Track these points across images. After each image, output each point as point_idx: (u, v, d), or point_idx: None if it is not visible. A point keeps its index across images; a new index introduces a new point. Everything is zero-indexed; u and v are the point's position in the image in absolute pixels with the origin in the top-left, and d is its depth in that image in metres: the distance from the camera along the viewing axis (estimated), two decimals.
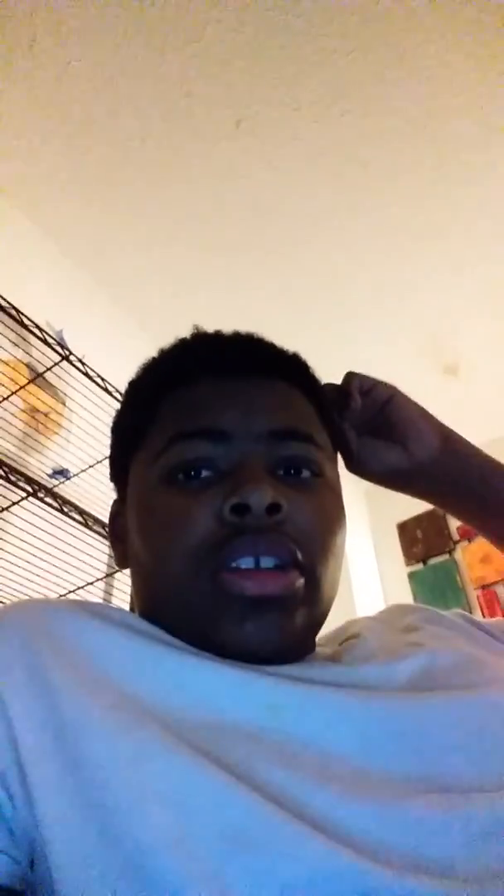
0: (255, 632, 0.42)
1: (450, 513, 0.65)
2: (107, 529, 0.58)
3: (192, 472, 0.46)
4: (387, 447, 0.60)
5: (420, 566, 2.61)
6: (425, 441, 0.61)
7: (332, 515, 0.48)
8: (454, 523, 2.61)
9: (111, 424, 0.58)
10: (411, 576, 2.60)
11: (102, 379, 1.29)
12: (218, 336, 0.56)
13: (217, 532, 0.43)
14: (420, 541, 2.65)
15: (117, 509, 0.57)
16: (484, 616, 2.30)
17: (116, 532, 0.56)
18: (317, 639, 0.56)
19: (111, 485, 0.58)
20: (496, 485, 0.61)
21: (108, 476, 0.58)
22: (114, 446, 0.57)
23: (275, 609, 0.42)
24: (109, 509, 0.59)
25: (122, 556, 0.55)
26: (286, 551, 0.43)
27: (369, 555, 2.72)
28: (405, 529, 2.72)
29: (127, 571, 0.56)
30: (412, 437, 0.60)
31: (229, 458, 0.46)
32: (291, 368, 0.56)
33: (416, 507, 2.73)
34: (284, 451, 0.48)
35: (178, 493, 0.46)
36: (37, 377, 1.31)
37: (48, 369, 1.27)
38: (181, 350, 0.56)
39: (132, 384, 0.57)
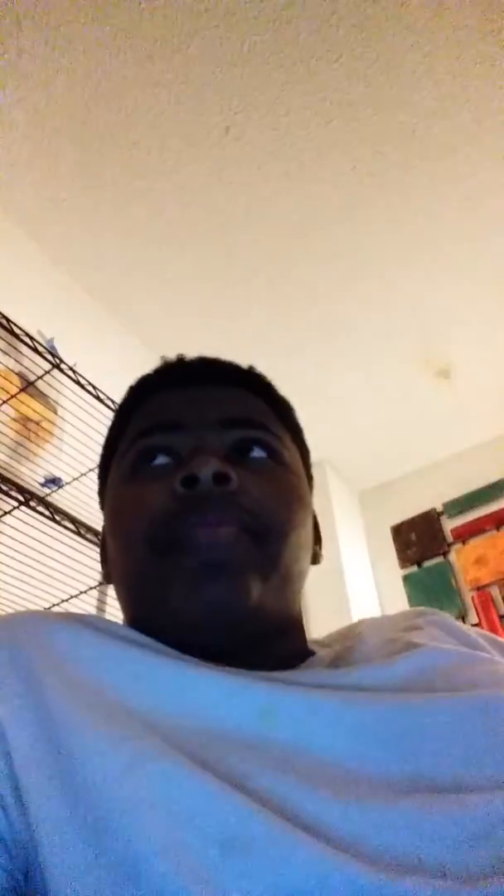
0: (208, 591, 0.43)
1: None
2: (100, 552, 0.61)
3: (150, 461, 0.49)
4: None
5: (414, 568, 2.61)
6: None
7: (288, 494, 0.50)
8: (448, 525, 2.62)
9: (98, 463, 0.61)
10: (406, 578, 2.60)
11: (94, 387, 1.29)
12: (179, 358, 0.60)
13: (169, 507, 0.45)
14: (414, 543, 2.65)
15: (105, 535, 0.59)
16: (478, 617, 2.31)
17: (105, 556, 0.58)
18: (323, 638, 0.57)
19: None
20: None
21: (99, 505, 0.61)
22: (100, 477, 0.60)
23: (226, 568, 0.43)
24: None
25: (106, 576, 0.57)
26: (235, 517, 0.44)
27: (364, 558, 2.72)
28: (399, 532, 2.72)
29: None
30: None
31: (185, 446, 0.49)
32: (248, 379, 0.58)
33: (410, 509, 2.74)
34: (235, 435, 0.50)
35: (137, 482, 0.49)
36: (28, 386, 1.31)
37: (39, 378, 1.27)
38: (147, 375, 0.60)
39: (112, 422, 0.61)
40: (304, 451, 0.59)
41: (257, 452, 0.50)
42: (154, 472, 0.48)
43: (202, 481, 0.44)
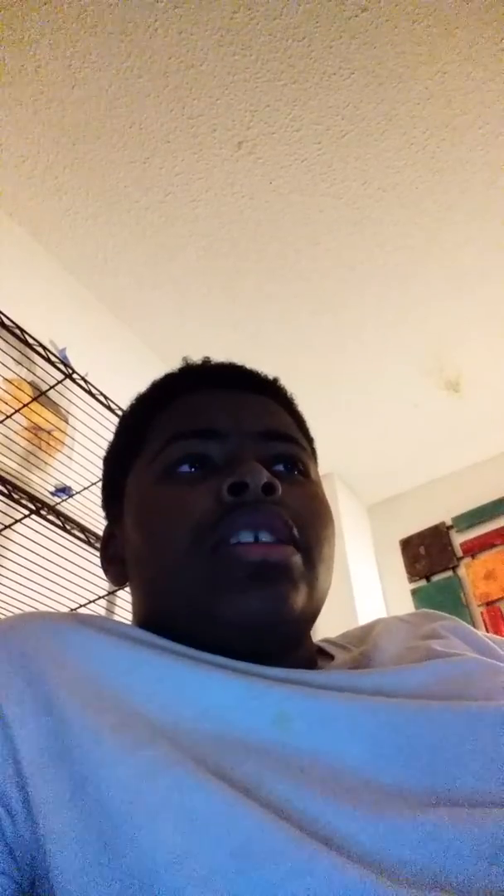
0: (258, 601, 0.42)
1: None
2: (101, 550, 0.60)
3: (190, 467, 0.49)
4: None
5: (423, 582, 2.59)
6: None
7: (322, 508, 0.51)
8: (458, 540, 2.60)
9: (104, 455, 0.61)
10: (414, 592, 2.58)
11: (105, 397, 1.30)
12: (205, 361, 0.61)
13: (216, 511, 0.45)
14: (423, 557, 2.63)
15: (111, 531, 0.58)
16: (488, 633, 2.28)
17: (109, 555, 0.58)
18: (338, 637, 0.56)
19: None
20: None
21: (102, 503, 0.60)
22: (106, 471, 0.59)
23: (277, 577, 0.43)
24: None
25: (116, 576, 0.57)
26: (284, 526, 0.45)
27: (372, 571, 2.70)
28: (408, 546, 2.70)
29: (129, 589, 0.56)
30: None
31: (223, 454, 0.49)
32: (272, 388, 0.60)
33: (419, 523, 2.72)
34: (273, 449, 0.51)
35: (176, 485, 0.48)
36: (40, 395, 1.32)
37: (51, 387, 1.27)
38: (171, 374, 0.60)
39: (124, 414, 0.61)
40: (314, 459, 0.60)
41: (291, 467, 0.51)
42: (191, 476, 0.48)
43: (251, 489, 0.44)
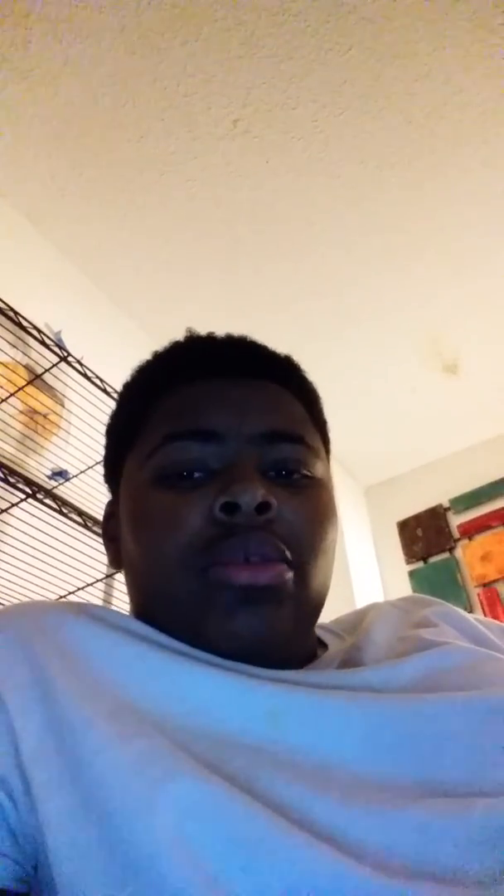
0: (245, 624, 0.42)
1: None
2: (103, 526, 0.59)
3: (184, 473, 0.47)
4: None
5: (420, 564, 2.61)
6: None
7: (323, 516, 0.48)
8: (455, 521, 2.61)
9: (106, 427, 0.59)
10: (412, 574, 2.59)
11: (101, 380, 1.29)
12: (210, 338, 0.56)
13: (207, 531, 0.44)
14: (420, 539, 2.65)
15: (111, 510, 0.57)
16: (484, 614, 2.30)
17: (110, 532, 0.56)
18: (331, 623, 0.56)
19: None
20: None
21: (104, 478, 0.59)
22: (108, 448, 0.57)
23: (264, 601, 0.42)
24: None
25: (114, 556, 0.55)
26: (275, 550, 0.43)
27: (369, 553, 2.72)
28: (405, 528, 2.72)
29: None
30: None
31: (221, 458, 0.46)
32: (283, 370, 0.56)
33: (416, 505, 2.73)
34: (276, 453, 0.48)
35: (169, 493, 0.46)
36: (35, 378, 1.31)
37: (46, 371, 1.26)
38: (173, 352, 0.56)
39: (126, 386, 0.58)
40: (326, 443, 0.57)
41: (295, 475, 0.48)
42: (187, 483, 0.46)
43: (244, 510, 0.42)
